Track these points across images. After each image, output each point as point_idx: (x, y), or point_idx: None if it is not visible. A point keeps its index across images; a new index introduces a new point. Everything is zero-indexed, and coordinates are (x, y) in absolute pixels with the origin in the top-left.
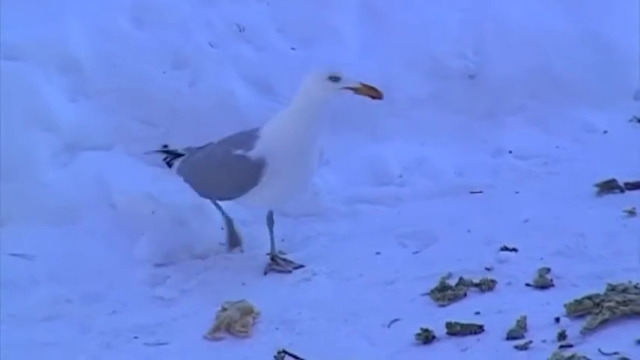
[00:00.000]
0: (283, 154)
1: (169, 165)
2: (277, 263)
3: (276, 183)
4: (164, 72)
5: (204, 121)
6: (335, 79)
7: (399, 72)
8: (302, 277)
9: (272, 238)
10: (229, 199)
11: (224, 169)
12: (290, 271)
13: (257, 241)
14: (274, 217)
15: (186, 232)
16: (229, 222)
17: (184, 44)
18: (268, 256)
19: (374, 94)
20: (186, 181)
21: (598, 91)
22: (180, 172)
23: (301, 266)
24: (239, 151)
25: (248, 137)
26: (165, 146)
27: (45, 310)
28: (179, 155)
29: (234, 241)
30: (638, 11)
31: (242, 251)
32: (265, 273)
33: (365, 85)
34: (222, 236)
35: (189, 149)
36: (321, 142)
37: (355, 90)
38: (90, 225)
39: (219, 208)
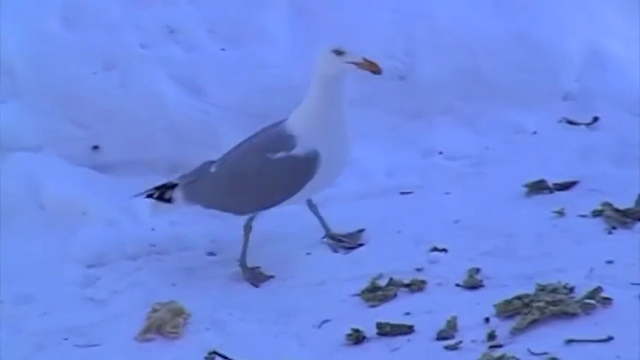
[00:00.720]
0: (326, 138)
1: (168, 200)
2: (340, 240)
3: (325, 170)
4: (95, 73)
5: (134, 122)
6: (338, 52)
7: None
8: (233, 279)
9: (321, 219)
10: (277, 204)
11: (273, 176)
12: (355, 247)
13: (185, 242)
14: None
15: (117, 233)
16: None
17: (115, 45)
18: (327, 239)
19: (374, 69)
20: (209, 206)
21: (527, 92)
22: (195, 200)
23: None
24: (281, 154)
25: (278, 137)
26: (96, 147)
27: None
28: (172, 187)
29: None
30: (568, 12)
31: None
32: (335, 251)
33: (367, 61)
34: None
35: (183, 177)
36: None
37: (358, 65)
38: (20, 226)
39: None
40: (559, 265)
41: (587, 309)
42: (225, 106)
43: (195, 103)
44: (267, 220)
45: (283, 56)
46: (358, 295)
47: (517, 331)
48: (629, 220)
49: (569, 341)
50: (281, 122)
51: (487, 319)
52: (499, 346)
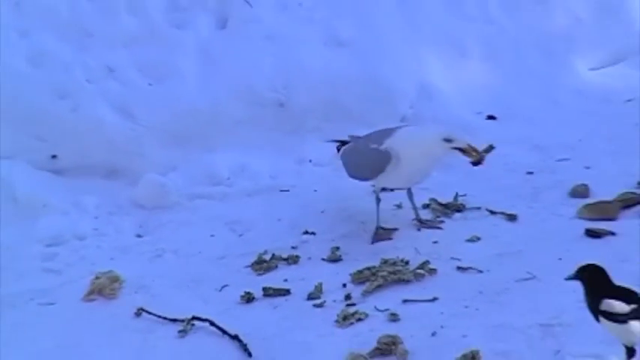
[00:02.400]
0: (404, 159)
1: (338, 150)
2: (423, 222)
3: (396, 173)
4: (52, 102)
5: (82, 137)
6: (448, 140)
7: (227, 101)
8: (155, 254)
9: (413, 205)
10: (366, 180)
11: (363, 157)
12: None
13: (119, 226)
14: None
15: (69, 221)
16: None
17: (67, 81)
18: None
19: (475, 157)
20: (342, 164)
21: (374, 116)
22: (341, 156)
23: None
24: (373, 145)
25: (381, 136)
26: (54, 156)
27: None
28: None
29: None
30: (405, 60)
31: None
32: (419, 230)
33: (470, 147)
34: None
35: (352, 137)
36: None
37: (462, 150)
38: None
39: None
40: (397, 245)
41: (418, 277)
42: (150, 126)
43: (127, 124)
44: (181, 210)
45: (192, 89)
46: (249, 266)
47: (366, 294)
48: (449, 211)
49: (405, 301)
50: (394, 129)
51: (344, 285)
52: (353, 304)
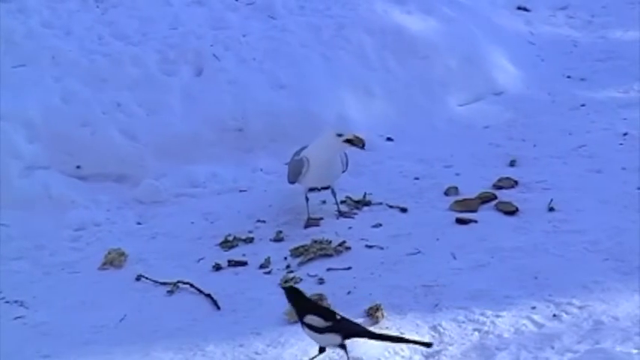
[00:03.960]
0: (312, 162)
1: None
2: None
3: (310, 174)
4: (77, 129)
5: (99, 153)
6: (339, 135)
7: (202, 128)
8: (151, 236)
9: (335, 200)
10: (294, 183)
11: (290, 166)
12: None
13: (122, 217)
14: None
15: (90, 212)
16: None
17: (90, 113)
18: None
19: (357, 142)
20: None
21: (306, 138)
22: None
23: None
24: (295, 157)
25: (301, 150)
26: (79, 167)
27: None
28: None
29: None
30: (328, 97)
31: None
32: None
33: (355, 136)
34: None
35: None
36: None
37: (349, 141)
38: (41, 208)
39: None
40: (323, 229)
41: (338, 252)
42: (148, 145)
43: (131, 144)
44: (169, 205)
45: (178, 119)
46: (218, 245)
47: (301, 264)
48: (360, 205)
49: (329, 269)
50: (310, 144)
51: (286, 258)
52: (292, 271)
